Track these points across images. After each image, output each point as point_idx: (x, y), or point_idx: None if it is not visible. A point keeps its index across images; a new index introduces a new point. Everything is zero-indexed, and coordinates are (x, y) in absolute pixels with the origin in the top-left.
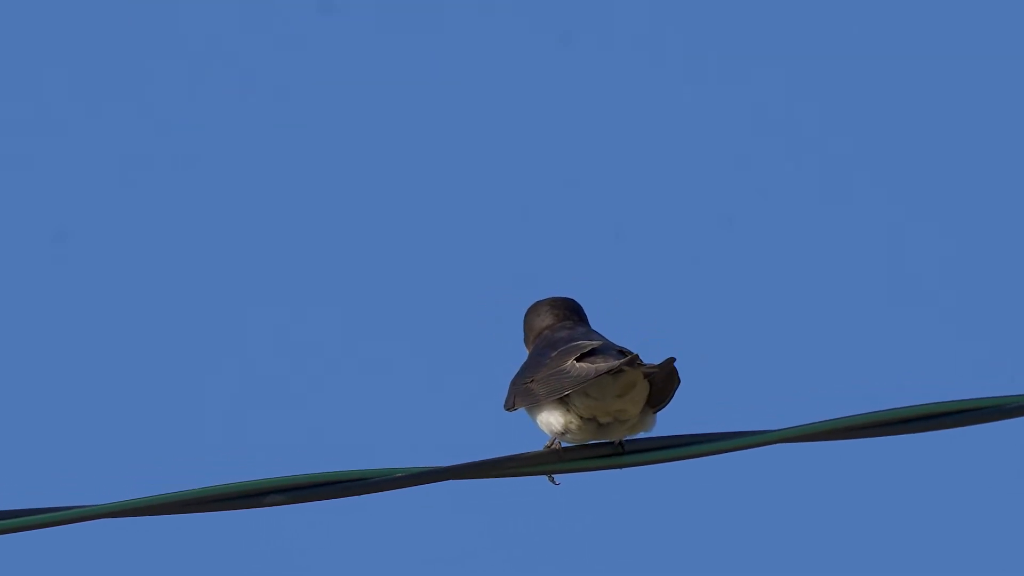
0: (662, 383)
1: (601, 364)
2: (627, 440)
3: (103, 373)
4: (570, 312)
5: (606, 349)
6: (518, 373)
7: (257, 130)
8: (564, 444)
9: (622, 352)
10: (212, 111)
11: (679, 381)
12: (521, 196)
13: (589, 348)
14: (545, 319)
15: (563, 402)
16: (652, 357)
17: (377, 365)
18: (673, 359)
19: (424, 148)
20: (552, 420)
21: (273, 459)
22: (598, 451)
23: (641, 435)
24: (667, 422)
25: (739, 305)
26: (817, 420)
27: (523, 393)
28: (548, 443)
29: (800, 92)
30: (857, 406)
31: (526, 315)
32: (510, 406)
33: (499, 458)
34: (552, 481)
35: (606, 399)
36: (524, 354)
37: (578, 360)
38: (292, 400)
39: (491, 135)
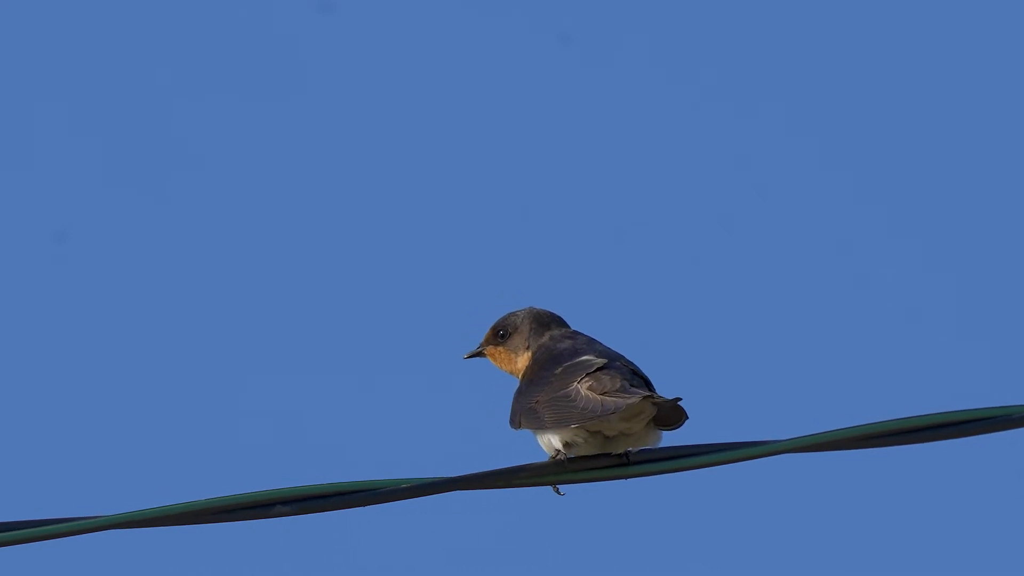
0: (669, 414)
1: (609, 400)
2: (632, 451)
3: (109, 382)
4: (562, 322)
5: (613, 366)
6: (522, 389)
7: (256, 130)
8: (570, 455)
9: (632, 371)
10: (211, 111)
11: (687, 417)
12: (521, 197)
13: (595, 367)
14: (545, 328)
15: None
16: (657, 368)
17: (384, 376)
18: (679, 399)
19: (424, 148)
20: (557, 435)
21: (281, 470)
22: (604, 462)
23: (647, 448)
24: (673, 432)
25: (743, 314)
26: (824, 430)
27: (528, 414)
28: (554, 454)
29: (800, 92)
30: (863, 416)
31: (521, 320)
32: (516, 425)
33: (505, 469)
34: (557, 491)
35: (612, 421)
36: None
37: (583, 379)
38: (299, 411)
39: (491, 135)
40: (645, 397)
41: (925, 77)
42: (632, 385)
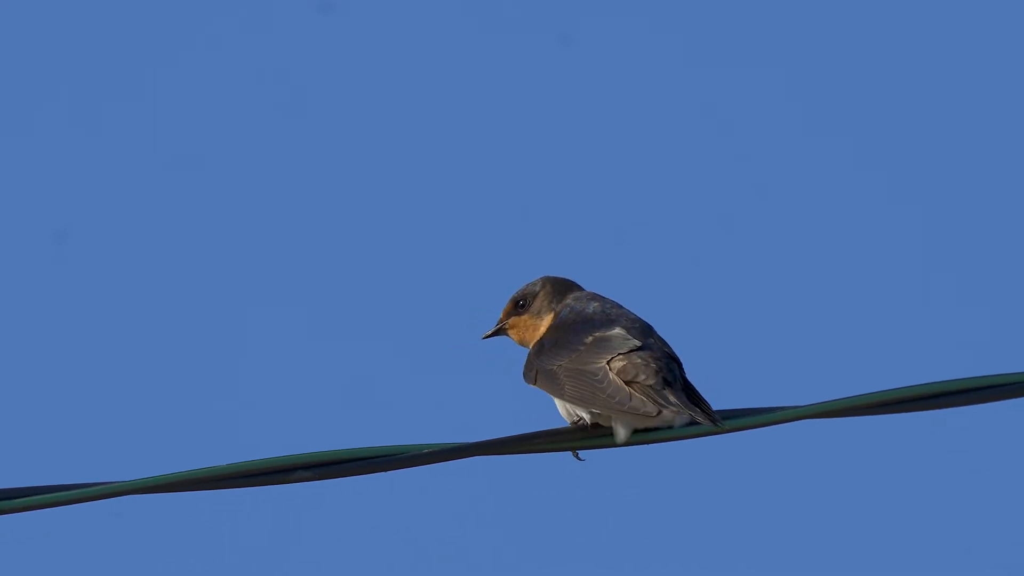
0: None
1: (650, 404)
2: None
3: (131, 356)
4: (579, 286)
5: (648, 346)
6: (544, 346)
7: (256, 130)
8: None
9: (667, 354)
10: (211, 111)
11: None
12: (521, 196)
13: (628, 348)
14: (566, 290)
15: None
16: (672, 342)
17: (401, 344)
18: (721, 424)
19: (424, 148)
20: (577, 409)
21: (301, 435)
22: None
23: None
24: None
25: (760, 283)
26: (843, 396)
27: (547, 375)
28: (575, 420)
29: (799, 91)
30: (878, 384)
31: (540, 286)
32: (532, 381)
33: (526, 434)
34: (576, 457)
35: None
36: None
37: (614, 359)
38: (318, 376)
39: (491, 135)
40: (691, 422)
41: (914, 66)
42: (667, 382)
